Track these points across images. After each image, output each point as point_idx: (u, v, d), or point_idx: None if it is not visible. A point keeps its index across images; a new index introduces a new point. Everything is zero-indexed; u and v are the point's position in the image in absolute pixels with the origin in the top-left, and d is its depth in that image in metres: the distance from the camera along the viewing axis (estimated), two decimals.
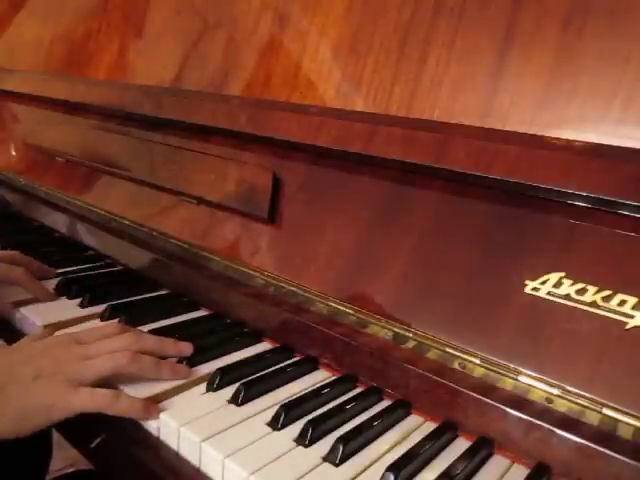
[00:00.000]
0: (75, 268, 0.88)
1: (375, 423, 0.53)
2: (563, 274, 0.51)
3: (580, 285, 0.50)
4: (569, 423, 0.48)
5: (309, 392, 0.58)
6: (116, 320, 0.70)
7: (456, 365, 0.55)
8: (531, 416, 0.50)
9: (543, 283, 0.52)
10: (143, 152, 0.92)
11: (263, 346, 0.69)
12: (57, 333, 0.66)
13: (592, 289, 0.49)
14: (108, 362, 0.55)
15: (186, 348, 0.62)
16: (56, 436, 0.88)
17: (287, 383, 0.60)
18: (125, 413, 0.52)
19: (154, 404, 0.54)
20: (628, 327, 0.47)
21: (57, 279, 0.81)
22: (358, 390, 0.61)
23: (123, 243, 0.91)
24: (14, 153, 1.26)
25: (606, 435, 0.47)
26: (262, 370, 0.61)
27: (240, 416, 0.53)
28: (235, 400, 0.55)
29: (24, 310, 0.72)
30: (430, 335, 0.57)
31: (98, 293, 0.77)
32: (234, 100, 0.80)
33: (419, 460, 0.49)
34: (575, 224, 0.52)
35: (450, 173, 0.57)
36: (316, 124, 0.67)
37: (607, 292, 0.49)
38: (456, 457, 0.50)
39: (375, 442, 0.52)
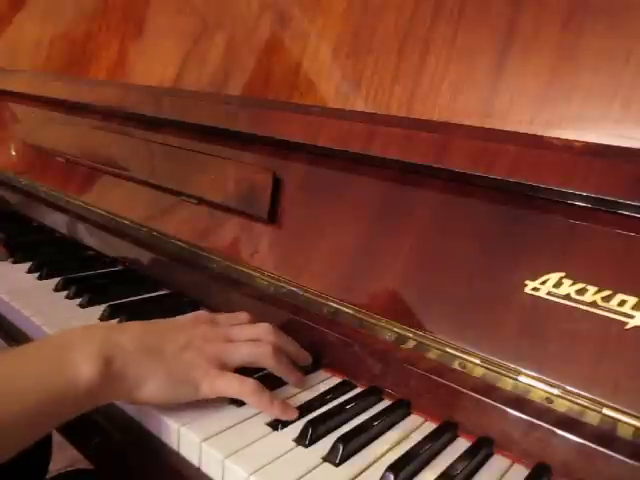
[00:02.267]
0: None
1: (375, 423, 0.53)
2: (563, 274, 0.51)
3: (580, 285, 0.50)
4: (569, 423, 0.48)
5: (309, 393, 0.58)
6: (116, 320, 0.70)
7: (456, 365, 0.55)
8: (531, 416, 0.50)
9: (543, 283, 0.52)
10: (143, 152, 0.92)
11: None
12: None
13: (592, 289, 0.49)
14: (251, 350, 0.56)
15: (305, 358, 0.62)
16: (56, 436, 0.88)
17: (287, 383, 0.60)
18: (264, 408, 0.53)
19: (292, 406, 0.54)
20: (628, 327, 0.47)
21: (57, 279, 0.81)
22: (358, 390, 0.61)
23: (123, 243, 0.91)
24: (14, 153, 1.26)
25: (606, 435, 0.47)
26: (261, 370, 0.61)
27: (240, 416, 0.53)
28: (235, 401, 0.55)
29: (22, 310, 0.72)
30: (430, 335, 0.57)
31: (98, 293, 0.77)
32: (234, 100, 0.80)
33: (419, 460, 0.49)
34: (575, 224, 0.52)
35: (450, 173, 0.57)
36: (316, 124, 0.67)
37: (607, 292, 0.49)
38: (456, 457, 0.50)
39: (375, 442, 0.52)
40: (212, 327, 0.58)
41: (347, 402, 0.57)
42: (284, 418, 0.53)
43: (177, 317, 0.61)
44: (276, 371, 0.57)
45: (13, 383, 0.45)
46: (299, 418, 0.54)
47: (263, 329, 0.59)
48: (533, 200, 0.54)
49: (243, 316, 0.63)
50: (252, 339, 0.58)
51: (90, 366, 0.47)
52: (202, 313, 0.63)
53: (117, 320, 0.70)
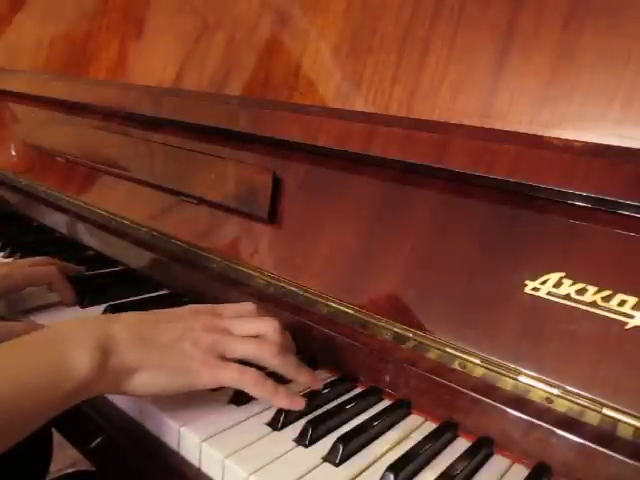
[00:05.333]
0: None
1: (375, 423, 0.53)
2: (563, 274, 0.51)
3: (580, 285, 0.50)
4: (569, 423, 0.48)
5: (309, 392, 0.58)
6: None
7: (456, 365, 0.55)
8: (531, 416, 0.50)
9: (543, 283, 0.52)
10: (143, 152, 0.92)
11: None
12: None
13: (592, 289, 0.49)
14: (255, 346, 0.53)
15: (318, 381, 0.58)
16: (56, 436, 0.88)
17: (286, 383, 0.60)
18: (269, 397, 0.52)
19: (296, 394, 0.53)
20: (628, 327, 0.47)
21: None
22: (358, 390, 0.61)
23: (123, 243, 0.91)
24: (14, 153, 1.26)
25: (606, 435, 0.47)
26: (261, 370, 0.61)
27: (240, 416, 0.53)
28: (235, 400, 0.55)
29: (22, 309, 0.72)
30: (430, 335, 0.57)
31: (98, 293, 0.77)
32: (234, 100, 0.80)
33: (419, 460, 0.49)
34: (575, 224, 0.52)
35: (450, 173, 0.57)
36: (316, 124, 0.67)
37: (607, 292, 0.49)
38: (456, 457, 0.50)
39: (375, 442, 0.52)
40: (213, 318, 0.55)
41: (347, 402, 0.57)
42: (292, 408, 0.51)
43: (176, 308, 0.58)
44: (282, 371, 0.55)
45: (8, 374, 0.45)
46: (299, 418, 0.54)
47: (269, 325, 0.55)
48: (533, 200, 0.54)
49: (249, 307, 0.59)
50: (257, 332, 0.55)
51: (85, 358, 0.47)
52: (203, 305, 0.59)
53: None
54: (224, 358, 0.52)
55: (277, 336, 0.55)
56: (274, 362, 0.53)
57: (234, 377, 0.51)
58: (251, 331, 0.55)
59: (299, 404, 0.52)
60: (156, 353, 0.50)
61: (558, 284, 0.51)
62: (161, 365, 0.50)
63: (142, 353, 0.50)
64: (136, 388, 0.50)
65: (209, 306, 0.58)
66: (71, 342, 0.48)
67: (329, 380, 0.62)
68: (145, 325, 0.52)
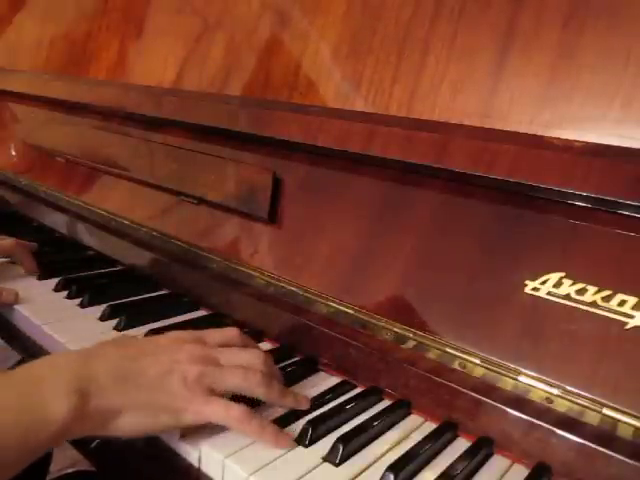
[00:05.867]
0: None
1: (375, 423, 0.53)
2: (563, 274, 0.51)
3: (580, 285, 0.50)
4: (569, 423, 0.48)
5: (309, 392, 0.58)
6: (116, 320, 0.70)
7: (456, 365, 0.55)
8: (531, 416, 0.50)
9: (543, 283, 0.52)
10: (143, 152, 0.92)
11: (263, 346, 0.69)
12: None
13: (592, 289, 0.49)
14: (242, 378, 0.51)
15: (304, 401, 0.56)
16: None
17: (286, 383, 0.60)
18: (254, 435, 0.49)
19: (284, 433, 0.51)
20: (628, 327, 0.47)
21: (57, 279, 0.81)
22: (358, 390, 0.61)
23: (123, 243, 0.91)
24: (14, 153, 1.26)
25: (606, 435, 0.47)
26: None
27: None
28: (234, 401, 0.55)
29: (21, 309, 0.72)
30: (430, 335, 0.57)
31: (98, 293, 0.77)
32: (234, 100, 0.80)
33: (419, 460, 0.49)
34: (575, 224, 0.52)
35: (450, 173, 0.57)
36: (316, 124, 0.67)
37: (607, 292, 0.49)
38: (456, 457, 0.50)
39: (375, 442, 0.52)
40: (199, 348, 0.53)
41: (347, 402, 0.57)
42: (277, 447, 0.49)
43: (159, 336, 0.56)
44: (269, 399, 0.53)
45: None
46: (299, 418, 0.54)
47: (254, 356, 0.54)
48: (533, 200, 0.54)
49: (232, 332, 0.58)
50: (243, 363, 0.53)
51: (62, 403, 0.44)
52: (186, 332, 0.57)
53: (117, 320, 0.70)
54: (212, 391, 0.50)
55: (262, 366, 0.53)
56: (260, 391, 0.52)
57: (220, 415, 0.49)
58: (237, 362, 0.53)
59: (284, 443, 0.50)
60: (141, 392, 0.48)
61: (558, 284, 0.51)
62: (147, 405, 0.48)
63: (126, 393, 0.47)
64: (122, 429, 0.47)
65: (192, 333, 0.56)
66: (47, 385, 0.45)
67: (329, 380, 0.62)
68: (128, 361, 0.49)
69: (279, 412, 0.54)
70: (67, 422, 0.44)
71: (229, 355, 0.54)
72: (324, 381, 0.62)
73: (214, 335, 0.56)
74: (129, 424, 0.47)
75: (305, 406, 0.55)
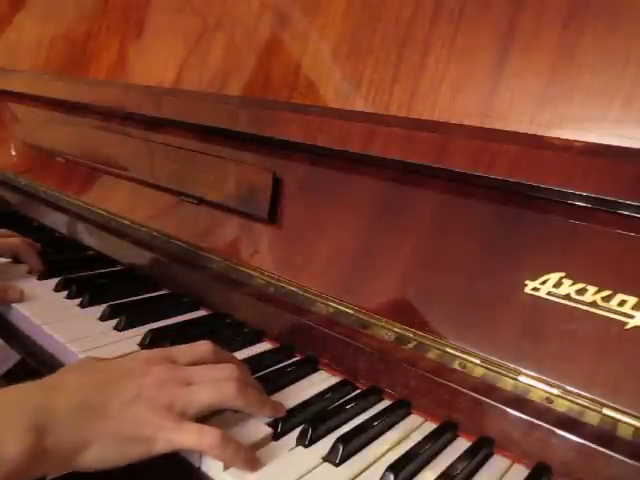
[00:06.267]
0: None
1: (375, 423, 0.53)
2: (563, 274, 0.51)
3: (580, 285, 0.50)
4: (569, 423, 0.48)
5: (309, 392, 0.58)
6: (116, 320, 0.70)
7: (456, 365, 0.55)
8: (531, 416, 0.50)
9: (543, 283, 0.52)
10: (143, 152, 0.92)
11: (263, 346, 0.69)
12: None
13: (592, 289, 0.49)
14: (214, 392, 0.49)
15: (281, 409, 0.54)
16: None
17: (288, 385, 0.60)
18: (228, 461, 0.46)
19: (254, 458, 0.48)
20: (628, 327, 0.47)
21: (57, 279, 0.81)
22: (358, 390, 0.61)
23: (123, 243, 0.91)
24: (14, 153, 1.26)
25: (606, 435, 0.47)
26: (262, 370, 0.61)
27: (240, 416, 0.53)
28: None
29: (22, 308, 0.72)
30: (430, 335, 0.57)
31: (98, 293, 0.77)
32: (234, 100, 0.80)
33: (419, 460, 0.49)
34: (575, 224, 0.52)
35: (450, 173, 0.57)
36: (316, 124, 0.67)
37: (607, 292, 0.49)
38: (456, 457, 0.50)
39: (375, 442, 0.52)
40: (168, 369, 0.50)
41: (347, 402, 0.57)
42: (251, 471, 0.46)
43: (129, 357, 0.53)
44: (246, 409, 0.51)
45: None
46: (301, 417, 0.54)
47: (226, 369, 0.52)
48: (533, 200, 0.54)
49: (204, 347, 0.55)
50: (215, 379, 0.50)
51: (15, 441, 0.41)
52: (155, 351, 0.54)
53: (117, 320, 0.70)
54: (183, 415, 0.47)
55: (237, 377, 0.51)
56: (237, 403, 0.50)
57: (193, 442, 0.46)
58: (210, 378, 0.51)
59: (256, 468, 0.47)
60: (106, 423, 0.45)
61: (558, 284, 0.51)
62: (113, 437, 0.45)
63: (89, 426, 0.44)
64: (88, 465, 0.45)
65: (162, 352, 0.53)
66: (0, 424, 0.42)
67: (329, 380, 0.62)
68: (91, 390, 0.47)
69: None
70: (22, 462, 0.41)
71: (200, 372, 0.51)
72: (324, 381, 0.62)
73: (184, 352, 0.54)
74: (95, 458, 0.44)
75: (282, 413, 0.53)
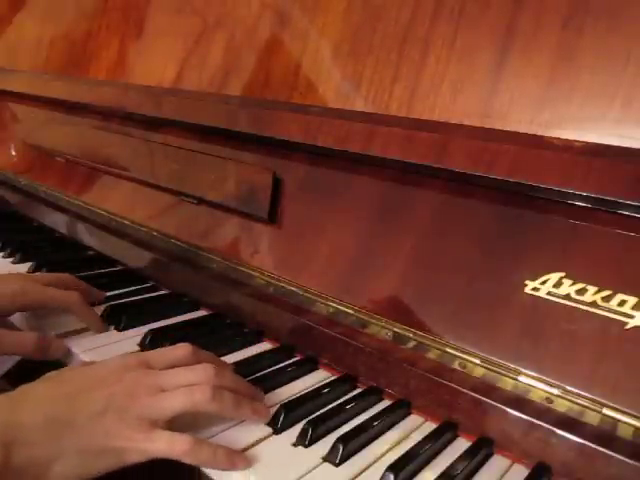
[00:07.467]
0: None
1: (375, 423, 0.53)
2: (563, 274, 0.51)
3: (580, 285, 0.50)
4: (569, 423, 0.48)
5: (309, 392, 0.58)
6: (116, 320, 0.70)
7: (456, 365, 0.55)
8: (531, 416, 0.50)
9: (543, 283, 0.52)
10: (143, 152, 0.92)
11: (263, 346, 0.69)
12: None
13: (592, 289, 0.49)
14: (186, 398, 0.47)
15: (263, 411, 0.53)
16: None
17: (287, 383, 0.60)
18: (207, 463, 0.46)
19: (239, 453, 0.47)
20: (628, 327, 0.47)
21: None
22: (358, 390, 0.61)
23: (123, 243, 0.91)
24: (14, 153, 1.26)
25: (606, 435, 0.47)
26: (262, 370, 0.61)
27: None
28: None
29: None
30: (430, 335, 0.57)
31: None
32: (234, 100, 0.80)
33: (419, 460, 0.49)
34: (575, 224, 0.52)
35: (450, 173, 0.57)
36: (316, 124, 0.67)
37: (607, 292, 0.49)
38: (456, 457, 0.50)
39: (375, 442, 0.52)
40: (141, 375, 0.49)
41: (347, 402, 0.57)
42: (233, 469, 0.46)
43: (103, 363, 0.52)
44: (220, 414, 0.50)
45: None
46: (300, 418, 0.54)
47: (201, 371, 0.51)
48: (533, 200, 0.54)
49: (182, 350, 0.53)
50: (189, 384, 0.49)
51: None
52: (131, 356, 0.53)
53: (117, 320, 0.70)
54: (154, 423, 0.46)
55: (213, 380, 0.50)
56: (210, 408, 0.49)
57: (165, 450, 0.45)
58: (184, 382, 0.49)
59: (240, 464, 0.46)
60: (76, 436, 0.44)
61: (558, 284, 0.51)
62: (84, 449, 0.44)
63: (58, 439, 0.43)
64: (60, 478, 0.44)
65: (138, 357, 0.52)
66: None
67: (329, 380, 0.62)
68: (59, 402, 0.46)
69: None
70: None
71: (173, 377, 0.50)
72: (324, 381, 0.62)
73: (161, 356, 0.53)
74: (67, 472, 0.44)
75: (265, 417, 0.52)
